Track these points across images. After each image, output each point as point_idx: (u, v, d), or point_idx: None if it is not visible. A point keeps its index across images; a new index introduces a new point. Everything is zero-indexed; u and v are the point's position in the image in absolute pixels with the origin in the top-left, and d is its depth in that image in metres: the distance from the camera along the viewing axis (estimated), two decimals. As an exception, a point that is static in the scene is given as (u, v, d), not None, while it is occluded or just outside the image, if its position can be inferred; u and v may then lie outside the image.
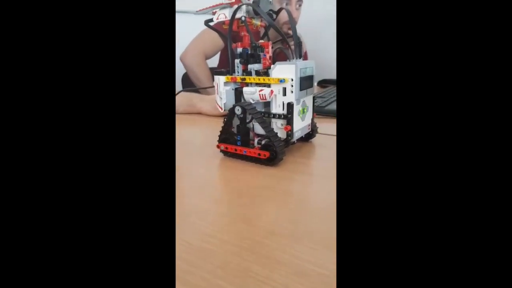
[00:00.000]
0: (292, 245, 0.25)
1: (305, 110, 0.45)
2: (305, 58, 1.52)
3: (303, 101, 0.44)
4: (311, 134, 0.51)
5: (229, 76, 0.45)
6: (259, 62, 0.44)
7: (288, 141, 0.43)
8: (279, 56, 0.45)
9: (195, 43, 1.21)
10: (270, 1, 0.45)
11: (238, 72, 0.45)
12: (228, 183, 0.37)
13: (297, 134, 0.44)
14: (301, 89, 0.42)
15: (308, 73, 0.44)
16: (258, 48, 0.44)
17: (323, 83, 1.25)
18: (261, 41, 0.45)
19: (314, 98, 0.48)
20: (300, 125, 0.45)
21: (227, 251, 0.24)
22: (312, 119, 0.49)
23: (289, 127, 0.42)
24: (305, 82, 0.43)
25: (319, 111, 0.71)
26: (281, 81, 0.41)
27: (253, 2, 0.42)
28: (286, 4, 1.17)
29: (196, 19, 0.99)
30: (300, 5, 1.25)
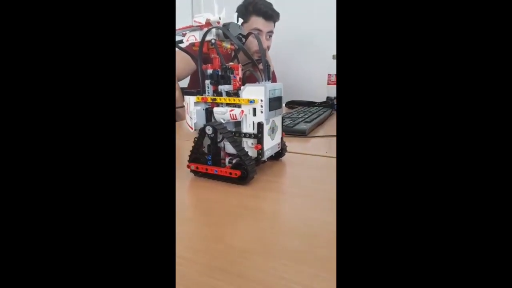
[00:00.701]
0: (265, 262, 0.25)
1: (274, 130, 0.47)
2: (274, 80, 1.57)
3: (272, 120, 0.45)
4: (281, 152, 0.52)
5: (200, 97, 0.46)
6: (229, 84, 0.45)
7: (258, 160, 0.44)
8: (249, 78, 0.46)
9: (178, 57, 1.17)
10: (240, 26, 0.46)
11: (208, 93, 0.46)
12: (199, 203, 0.37)
13: (267, 153, 0.45)
14: (270, 110, 0.43)
15: (277, 94, 0.45)
16: (228, 70, 0.45)
17: (290, 104, 1.29)
18: (231, 63, 0.46)
19: (282, 118, 0.50)
20: (270, 144, 0.46)
21: (198, 271, 0.24)
22: (282, 138, 0.51)
23: (259, 146, 0.43)
24: (274, 103, 0.44)
25: (287, 131, 0.73)
26: (251, 101, 0.42)
27: (223, 25, 0.44)
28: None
29: None
30: (270, 36, 1.32)
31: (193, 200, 0.38)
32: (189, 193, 0.40)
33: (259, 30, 1.26)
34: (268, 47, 1.36)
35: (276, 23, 1.35)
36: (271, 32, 1.31)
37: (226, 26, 0.44)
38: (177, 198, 0.39)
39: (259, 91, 0.42)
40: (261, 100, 0.42)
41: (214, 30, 0.43)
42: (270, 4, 1.28)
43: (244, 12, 1.26)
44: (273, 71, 1.57)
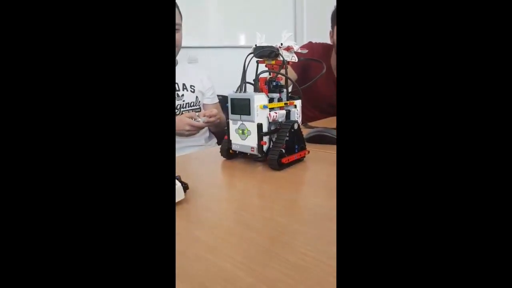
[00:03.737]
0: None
1: (244, 132, 0.55)
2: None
3: (242, 123, 0.55)
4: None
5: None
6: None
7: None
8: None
9: None
10: (262, 45, 0.55)
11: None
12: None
13: (234, 147, 0.57)
14: (232, 113, 0.56)
15: (243, 103, 0.53)
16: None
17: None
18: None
19: (258, 126, 0.52)
20: (239, 141, 0.56)
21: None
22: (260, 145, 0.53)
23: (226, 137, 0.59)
24: (238, 109, 0.54)
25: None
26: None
27: (255, 48, 0.58)
28: None
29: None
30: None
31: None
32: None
33: None
34: None
35: None
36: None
37: (257, 48, 0.58)
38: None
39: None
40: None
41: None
42: None
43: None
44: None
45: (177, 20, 1.02)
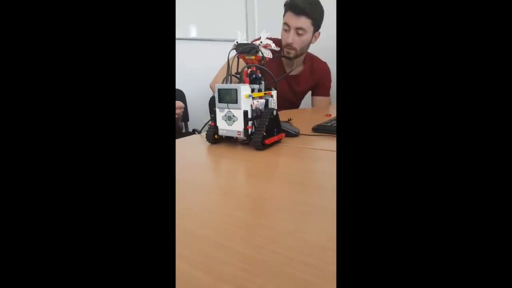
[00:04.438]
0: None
1: (231, 118, 0.63)
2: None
3: (229, 111, 0.63)
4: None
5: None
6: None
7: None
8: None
9: (223, 70, 1.31)
10: (246, 42, 0.64)
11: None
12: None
13: (221, 132, 0.65)
14: (219, 102, 0.63)
15: (230, 93, 0.61)
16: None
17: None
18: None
19: (245, 113, 0.61)
20: (225, 127, 0.64)
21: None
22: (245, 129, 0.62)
23: (212, 124, 0.66)
24: (225, 98, 0.62)
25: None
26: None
27: (238, 45, 0.66)
28: (285, 30, 1.28)
29: (223, 47, 0.93)
30: (299, 33, 1.27)
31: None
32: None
33: (288, 25, 1.26)
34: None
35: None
36: (301, 29, 1.26)
37: (240, 45, 0.66)
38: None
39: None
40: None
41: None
42: (309, 2, 1.23)
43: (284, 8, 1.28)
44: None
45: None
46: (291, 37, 1.27)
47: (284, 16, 1.30)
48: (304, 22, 1.25)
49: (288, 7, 1.26)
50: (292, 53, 1.31)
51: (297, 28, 1.26)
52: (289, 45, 1.29)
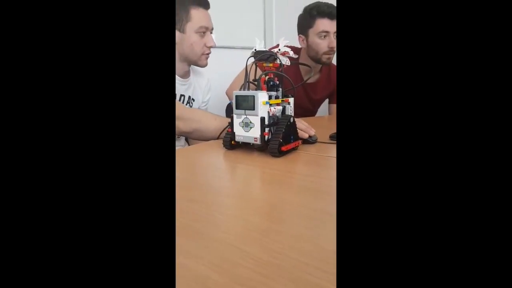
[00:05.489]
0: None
1: (248, 125, 0.63)
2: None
3: (246, 117, 0.63)
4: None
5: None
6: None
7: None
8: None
9: (240, 77, 1.32)
10: (263, 50, 0.65)
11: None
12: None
13: (237, 138, 0.66)
14: (237, 108, 0.64)
15: (249, 100, 0.62)
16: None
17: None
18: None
19: (261, 119, 0.61)
20: (242, 133, 0.65)
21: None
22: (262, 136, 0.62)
23: (229, 130, 0.67)
24: (242, 105, 0.63)
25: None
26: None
27: (256, 53, 0.67)
28: (324, 37, 1.30)
29: (240, 55, 0.91)
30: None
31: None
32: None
33: (326, 31, 1.28)
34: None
35: None
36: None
37: (258, 52, 0.67)
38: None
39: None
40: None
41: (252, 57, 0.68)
42: (332, 4, 1.29)
43: (308, 18, 1.32)
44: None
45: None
46: (334, 41, 1.31)
47: (312, 26, 1.32)
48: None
49: (321, 15, 1.29)
50: (332, 58, 1.36)
51: (335, 32, 1.32)
52: (332, 49, 1.33)
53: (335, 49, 1.34)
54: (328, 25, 1.30)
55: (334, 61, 1.51)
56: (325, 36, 1.31)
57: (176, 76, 1.08)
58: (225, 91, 1.42)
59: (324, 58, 1.35)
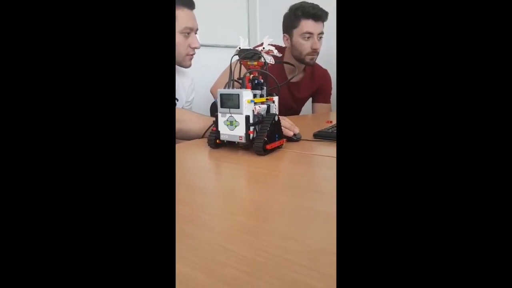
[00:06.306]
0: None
1: (233, 123, 0.63)
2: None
3: (230, 115, 0.63)
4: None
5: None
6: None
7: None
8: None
9: (224, 75, 1.31)
10: (247, 48, 0.65)
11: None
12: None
13: (222, 137, 0.65)
14: (221, 106, 0.64)
15: (234, 98, 0.62)
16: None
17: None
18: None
19: (246, 118, 0.61)
20: (226, 131, 0.64)
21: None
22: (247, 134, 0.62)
23: (214, 128, 0.66)
24: (226, 103, 0.63)
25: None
26: (217, 99, 0.66)
27: (240, 51, 0.67)
28: (308, 38, 1.30)
29: (225, 53, 0.94)
30: (321, 37, 1.35)
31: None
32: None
33: (310, 33, 1.29)
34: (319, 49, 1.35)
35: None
36: (322, 33, 1.33)
37: (242, 51, 0.67)
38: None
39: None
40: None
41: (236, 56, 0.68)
42: (317, 5, 1.29)
43: (292, 18, 1.31)
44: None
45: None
46: (317, 43, 1.33)
47: (296, 27, 1.32)
48: (322, 26, 1.33)
49: (305, 16, 1.30)
50: (315, 58, 1.37)
51: (319, 34, 1.34)
52: (315, 51, 1.34)
53: (319, 50, 1.36)
54: (312, 27, 1.30)
55: (318, 61, 1.53)
56: (308, 38, 1.32)
57: None
58: (209, 89, 1.41)
59: (308, 58, 1.36)
